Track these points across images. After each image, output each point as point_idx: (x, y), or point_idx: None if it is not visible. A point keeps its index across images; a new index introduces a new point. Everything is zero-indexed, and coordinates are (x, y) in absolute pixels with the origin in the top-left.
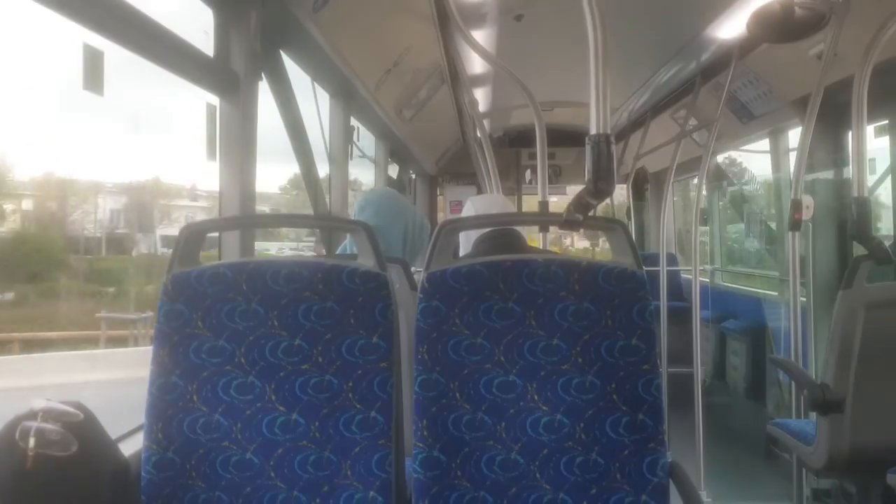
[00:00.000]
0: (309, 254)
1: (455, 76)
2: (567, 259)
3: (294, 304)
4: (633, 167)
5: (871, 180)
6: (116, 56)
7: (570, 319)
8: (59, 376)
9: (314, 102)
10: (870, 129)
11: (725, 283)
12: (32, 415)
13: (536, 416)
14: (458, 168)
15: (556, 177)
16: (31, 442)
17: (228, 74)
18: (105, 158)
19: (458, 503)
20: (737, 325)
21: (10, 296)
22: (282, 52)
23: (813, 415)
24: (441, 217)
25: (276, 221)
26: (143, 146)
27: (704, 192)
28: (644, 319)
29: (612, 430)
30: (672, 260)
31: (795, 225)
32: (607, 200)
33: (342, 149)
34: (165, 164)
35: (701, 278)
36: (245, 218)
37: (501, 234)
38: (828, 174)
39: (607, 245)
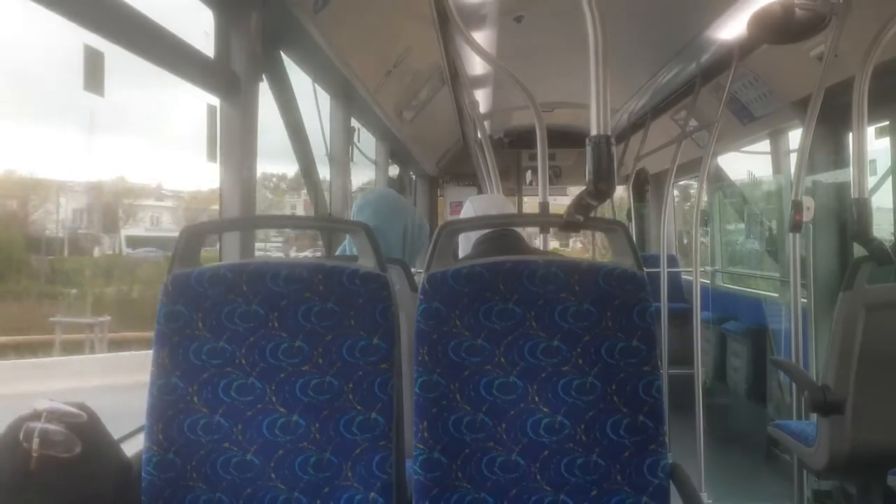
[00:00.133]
0: (277, 254)
1: (455, 77)
2: (567, 260)
3: (294, 306)
4: (634, 168)
5: (871, 181)
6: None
7: (570, 321)
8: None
9: (315, 103)
10: (870, 131)
11: (726, 285)
12: (36, 416)
13: (537, 417)
14: (459, 169)
15: (557, 178)
16: (35, 443)
17: (229, 75)
18: (70, 157)
19: None
20: (737, 326)
21: None
22: (282, 53)
23: (813, 416)
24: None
25: (277, 223)
26: (108, 145)
27: (705, 194)
28: (644, 321)
29: (612, 431)
30: (672, 261)
31: (796, 226)
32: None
33: (343, 150)
34: (131, 163)
35: (701, 280)
36: (245, 219)
37: (501, 235)
38: (828, 175)
39: (579, 245)
